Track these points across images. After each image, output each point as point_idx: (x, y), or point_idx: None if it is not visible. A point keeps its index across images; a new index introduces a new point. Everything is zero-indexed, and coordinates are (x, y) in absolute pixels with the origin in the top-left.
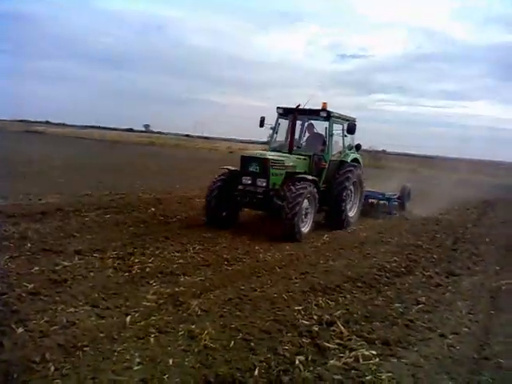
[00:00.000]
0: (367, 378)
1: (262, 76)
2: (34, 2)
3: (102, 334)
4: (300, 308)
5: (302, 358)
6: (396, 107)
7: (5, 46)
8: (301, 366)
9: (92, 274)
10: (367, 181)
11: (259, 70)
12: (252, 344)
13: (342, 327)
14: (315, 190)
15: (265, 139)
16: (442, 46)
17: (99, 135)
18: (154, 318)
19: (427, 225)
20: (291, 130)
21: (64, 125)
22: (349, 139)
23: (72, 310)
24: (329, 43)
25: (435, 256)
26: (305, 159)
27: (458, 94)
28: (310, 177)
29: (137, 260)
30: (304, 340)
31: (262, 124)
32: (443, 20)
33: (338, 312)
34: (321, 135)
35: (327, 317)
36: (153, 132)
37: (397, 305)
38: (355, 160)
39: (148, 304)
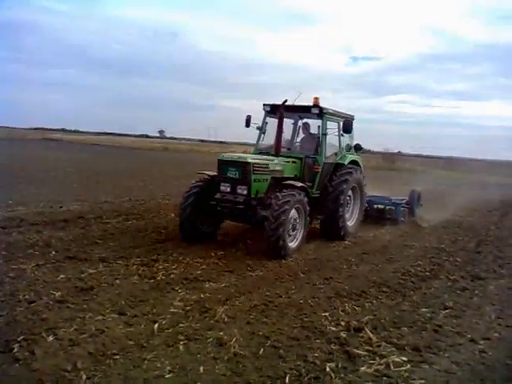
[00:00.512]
0: None
1: (275, 79)
2: (48, 11)
3: (131, 342)
4: (327, 314)
5: (332, 365)
6: (411, 108)
7: (19, 55)
8: (332, 374)
9: (117, 281)
10: (378, 184)
11: (272, 73)
12: (281, 351)
13: (371, 333)
14: (306, 198)
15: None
16: (455, 46)
17: (114, 141)
18: (181, 325)
19: (448, 228)
20: (278, 129)
21: (79, 132)
22: (347, 139)
23: (100, 317)
24: (341, 45)
25: (459, 259)
26: (294, 162)
27: (471, 93)
28: (299, 183)
29: (161, 266)
30: (333, 347)
31: (247, 124)
32: (455, 19)
33: (366, 318)
34: (317, 136)
35: (355, 323)
36: (167, 138)
37: (424, 310)
38: (354, 162)
39: (175, 311)
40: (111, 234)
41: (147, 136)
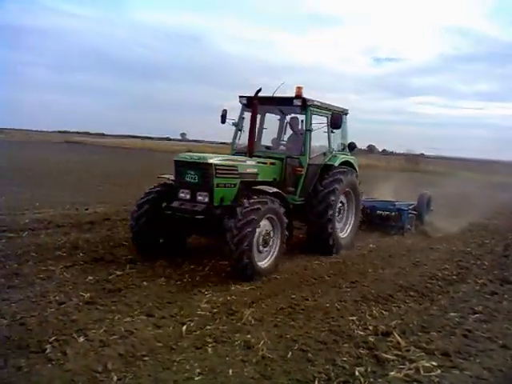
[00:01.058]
0: None
1: (298, 81)
2: (73, 16)
3: (159, 344)
4: (354, 318)
5: (361, 369)
6: (434, 109)
7: (44, 60)
8: (361, 378)
9: (145, 283)
10: (412, 187)
11: (295, 75)
12: (309, 355)
13: (399, 338)
14: (282, 208)
15: None
16: (480, 46)
17: (137, 144)
18: (209, 327)
19: (474, 231)
20: (251, 124)
21: (103, 135)
22: (338, 137)
23: (128, 319)
24: (363, 47)
25: (486, 263)
26: (273, 164)
27: (497, 94)
28: (273, 188)
29: (187, 268)
30: (361, 351)
31: (223, 119)
32: (479, 18)
33: (394, 322)
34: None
35: (382, 327)
36: (189, 140)
37: (452, 314)
38: (347, 163)
39: (202, 313)
40: None
41: (169, 139)
